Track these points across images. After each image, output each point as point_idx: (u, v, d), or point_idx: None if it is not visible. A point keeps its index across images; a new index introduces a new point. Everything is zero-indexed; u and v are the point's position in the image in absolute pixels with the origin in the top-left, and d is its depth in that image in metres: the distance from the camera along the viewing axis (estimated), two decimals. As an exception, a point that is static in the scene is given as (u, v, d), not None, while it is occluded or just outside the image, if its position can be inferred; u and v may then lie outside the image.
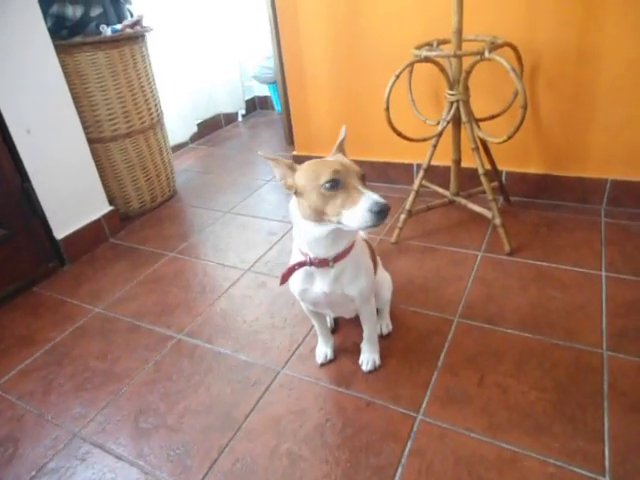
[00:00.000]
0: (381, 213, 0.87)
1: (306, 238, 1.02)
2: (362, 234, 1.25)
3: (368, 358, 1.28)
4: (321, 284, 1.08)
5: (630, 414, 1.09)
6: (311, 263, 1.03)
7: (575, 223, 1.84)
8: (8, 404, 1.32)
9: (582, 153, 1.90)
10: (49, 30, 1.79)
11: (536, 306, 1.45)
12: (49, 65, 1.80)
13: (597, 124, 1.82)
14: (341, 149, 1.07)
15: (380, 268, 1.36)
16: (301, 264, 1.05)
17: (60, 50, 1.86)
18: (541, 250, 1.70)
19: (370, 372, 1.27)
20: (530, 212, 1.96)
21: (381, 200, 0.88)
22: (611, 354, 1.25)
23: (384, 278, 1.38)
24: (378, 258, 1.35)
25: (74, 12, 1.94)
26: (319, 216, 0.94)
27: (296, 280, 1.12)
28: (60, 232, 1.92)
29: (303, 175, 0.96)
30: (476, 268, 1.65)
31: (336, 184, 0.91)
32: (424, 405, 1.17)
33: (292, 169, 1.00)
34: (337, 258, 1.03)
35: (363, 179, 0.94)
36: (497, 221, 1.70)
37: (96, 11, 2.01)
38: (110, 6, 2.08)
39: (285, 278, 1.09)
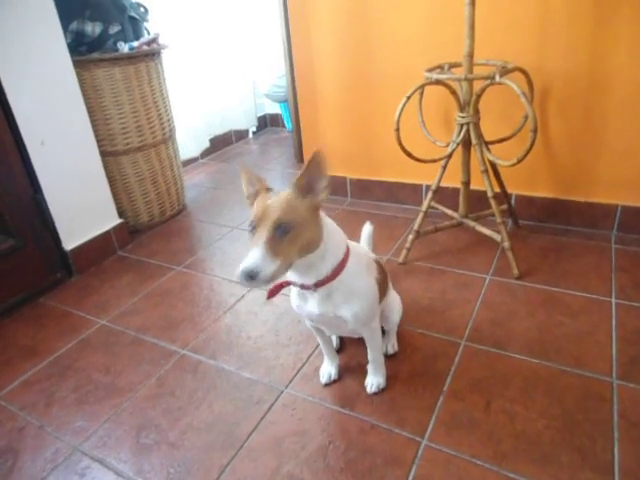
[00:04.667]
0: (242, 274, 0.84)
1: None
2: (371, 254, 1.25)
3: (373, 380, 1.27)
4: (311, 304, 1.07)
5: (641, 446, 1.06)
6: (295, 283, 1.04)
7: (585, 248, 1.83)
8: (9, 415, 1.31)
9: (592, 178, 1.89)
10: (68, 46, 1.83)
11: (544, 331, 1.43)
12: (67, 79, 1.84)
13: (607, 149, 1.82)
14: (301, 180, 0.94)
15: (391, 291, 1.35)
16: (288, 282, 1.05)
17: (78, 65, 1.90)
18: (550, 275, 1.69)
19: (375, 394, 1.26)
20: (539, 236, 1.95)
21: (247, 267, 0.84)
22: (621, 383, 1.22)
23: (394, 300, 1.36)
24: (390, 282, 1.34)
25: (93, 29, 1.99)
26: None
27: (293, 296, 1.13)
28: (69, 243, 1.93)
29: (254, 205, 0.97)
30: (484, 291, 1.64)
31: (252, 228, 0.91)
32: (429, 430, 1.15)
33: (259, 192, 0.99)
34: (319, 284, 1.01)
35: (275, 229, 0.88)
36: (506, 244, 1.69)
37: (114, 29, 2.06)
38: (128, 24, 2.13)
39: (271, 294, 1.06)
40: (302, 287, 1.03)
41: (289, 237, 0.89)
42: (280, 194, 0.94)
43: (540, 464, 1.04)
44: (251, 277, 0.84)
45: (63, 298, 1.83)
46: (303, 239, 0.92)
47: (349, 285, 1.05)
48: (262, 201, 0.94)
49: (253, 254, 0.86)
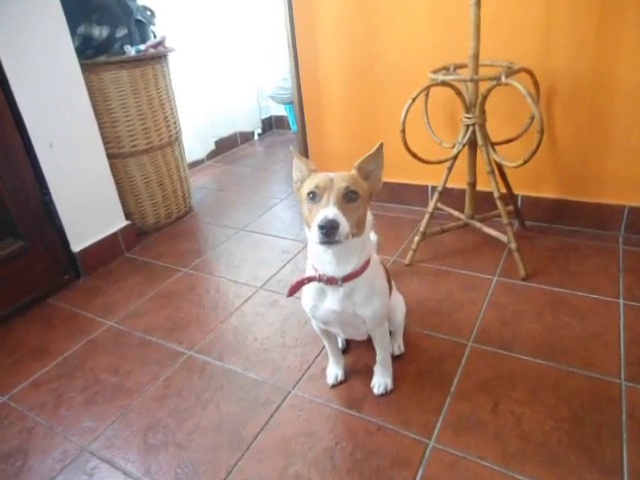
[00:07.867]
0: (322, 228, 0.86)
1: (311, 252, 1.04)
2: (375, 256, 1.25)
3: (380, 381, 1.27)
4: (331, 301, 1.07)
5: (650, 448, 1.05)
6: (320, 279, 1.04)
7: (592, 249, 1.82)
8: (19, 415, 1.32)
9: (599, 179, 1.88)
10: (76, 49, 1.85)
11: (551, 333, 1.43)
12: (74, 83, 1.86)
13: (614, 150, 1.81)
14: (360, 167, 1.02)
15: (394, 291, 1.35)
16: (310, 279, 1.06)
17: (85, 69, 1.92)
18: (557, 276, 1.68)
19: (382, 395, 1.26)
20: (546, 237, 1.94)
21: (328, 216, 0.87)
22: (630, 384, 1.22)
23: (398, 301, 1.37)
24: (393, 282, 1.34)
25: (100, 33, 2.01)
26: (308, 227, 0.96)
27: (308, 295, 1.12)
28: (77, 245, 1.94)
29: (304, 184, 1.00)
30: (490, 292, 1.63)
31: (314, 197, 0.93)
32: (436, 431, 1.14)
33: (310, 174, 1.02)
34: (346, 278, 1.03)
35: (344, 195, 0.92)
36: (512, 245, 1.68)
37: (121, 32, 2.07)
38: (135, 27, 2.15)
39: (293, 290, 1.08)
40: (327, 282, 1.03)
41: (354, 205, 0.93)
42: (342, 172, 0.98)
43: (548, 465, 1.04)
44: (333, 227, 0.86)
45: (71, 299, 1.85)
46: (361, 213, 0.96)
47: (370, 284, 1.07)
48: (321, 176, 0.96)
49: (329, 209, 0.88)
